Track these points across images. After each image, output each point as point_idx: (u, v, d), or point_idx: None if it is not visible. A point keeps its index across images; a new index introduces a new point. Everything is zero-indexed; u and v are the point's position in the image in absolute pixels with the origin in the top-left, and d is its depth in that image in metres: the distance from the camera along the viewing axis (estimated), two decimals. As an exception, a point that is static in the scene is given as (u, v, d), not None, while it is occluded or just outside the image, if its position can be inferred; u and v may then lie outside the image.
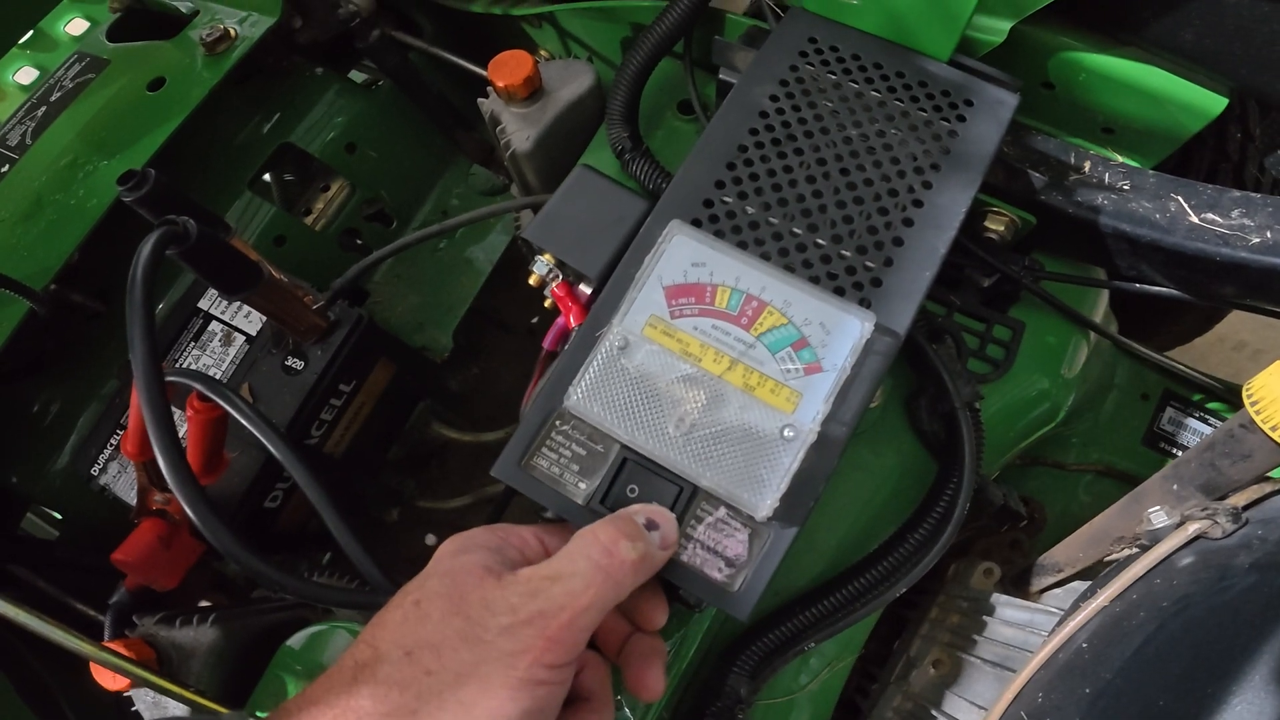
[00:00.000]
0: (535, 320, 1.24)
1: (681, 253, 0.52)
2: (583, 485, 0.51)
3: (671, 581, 0.50)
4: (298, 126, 1.00)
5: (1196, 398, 0.89)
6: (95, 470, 0.85)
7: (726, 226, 0.55)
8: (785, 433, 0.47)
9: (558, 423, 0.52)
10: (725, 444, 0.48)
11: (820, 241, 0.54)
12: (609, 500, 0.51)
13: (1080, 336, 0.77)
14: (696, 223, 0.55)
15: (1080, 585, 0.69)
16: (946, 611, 0.78)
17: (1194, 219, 0.67)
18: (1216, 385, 0.86)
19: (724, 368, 0.50)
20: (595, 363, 0.51)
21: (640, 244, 0.55)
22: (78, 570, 0.87)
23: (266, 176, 1.13)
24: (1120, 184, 0.70)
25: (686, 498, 0.49)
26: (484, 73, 1.01)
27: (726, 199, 0.55)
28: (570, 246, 0.59)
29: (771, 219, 0.55)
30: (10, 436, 0.89)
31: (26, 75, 1.05)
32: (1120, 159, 0.73)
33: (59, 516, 0.96)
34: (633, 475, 0.51)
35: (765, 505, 0.47)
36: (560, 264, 0.61)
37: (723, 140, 0.57)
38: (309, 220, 1.06)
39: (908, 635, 0.81)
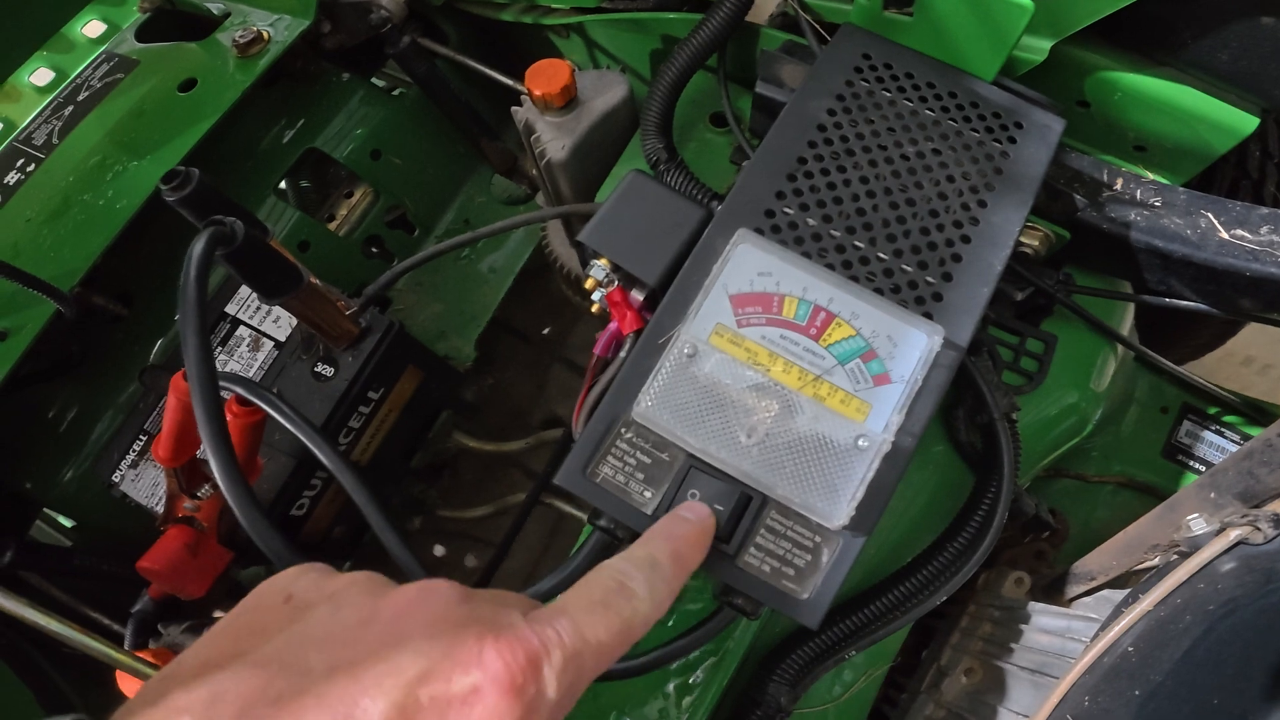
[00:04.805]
0: (547, 330, 1.24)
1: (747, 262, 0.53)
2: (648, 494, 0.51)
3: (741, 589, 0.50)
4: (323, 132, 0.99)
5: (1213, 411, 0.91)
6: (116, 477, 0.84)
7: (789, 237, 0.55)
8: (860, 442, 0.48)
9: (623, 430, 0.52)
10: (799, 453, 0.48)
11: (882, 255, 0.55)
12: (673, 508, 0.51)
13: (1109, 350, 0.79)
14: (759, 232, 0.55)
15: (1112, 593, 0.70)
16: (978, 620, 0.79)
17: (1224, 235, 0.68)
18: (1233, 399, 0.89)
19: (794, 377, 0.50)
20: (664, 370, 0.51)
21: (703, 252, 0.55)
22: (94, 578, 0.85)
23: (283, 183, 1.12)
24: (1152, 201, 0.71)
25: (756, 507, 0.49)
26: (511, 82, 1.01)
27: (788, 210, 0.56)
28: (628, 252, 0.59)
29: (833, 231, 0.55)
30: (25, 441, 0.87)
31: (42, 76, 1.04)
32: (1151, 176, 0.74)
33: (69, 524, 0.94)
34: (693, 480, 0.51)
35: (840, 514, 0.47)
36: (616, 268, 0.61)
37: (782, 151, 0.58)
38: (332, 226, 1.05)
39: (937, 645, 0.81)
